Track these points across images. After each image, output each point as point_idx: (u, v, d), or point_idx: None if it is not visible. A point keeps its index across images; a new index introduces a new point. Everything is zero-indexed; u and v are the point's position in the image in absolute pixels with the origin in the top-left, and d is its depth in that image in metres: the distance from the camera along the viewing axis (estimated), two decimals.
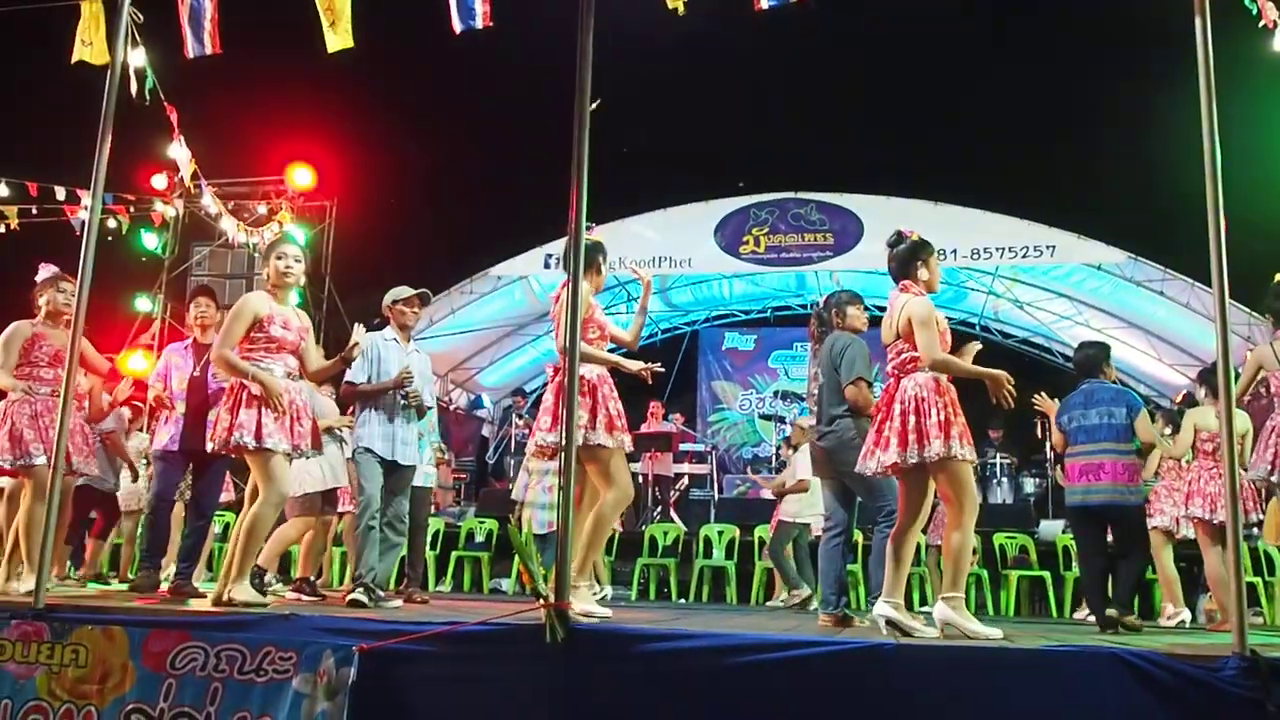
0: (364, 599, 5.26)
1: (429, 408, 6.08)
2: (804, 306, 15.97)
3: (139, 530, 7.97)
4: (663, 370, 5.47)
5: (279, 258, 4.98)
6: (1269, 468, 5.41)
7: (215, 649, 3.55)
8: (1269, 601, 8.49)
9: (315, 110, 13.06)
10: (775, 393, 15.77)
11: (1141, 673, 3.17)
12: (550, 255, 12.85)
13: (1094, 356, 6.28)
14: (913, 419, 4.20)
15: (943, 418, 4.16)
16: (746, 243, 12.86)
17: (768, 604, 9.43)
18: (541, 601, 3.50)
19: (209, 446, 4.86)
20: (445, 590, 9.90)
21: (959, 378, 4.33)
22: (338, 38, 4.86)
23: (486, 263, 13.52)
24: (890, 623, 4.19)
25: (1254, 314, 10.95)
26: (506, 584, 10.05)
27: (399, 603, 5.66)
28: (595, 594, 6.06)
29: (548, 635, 3.44)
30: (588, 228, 4.88)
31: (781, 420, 13.69)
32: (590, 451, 4.69)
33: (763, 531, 10.28)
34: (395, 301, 5.90)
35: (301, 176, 12.29)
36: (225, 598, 4.57)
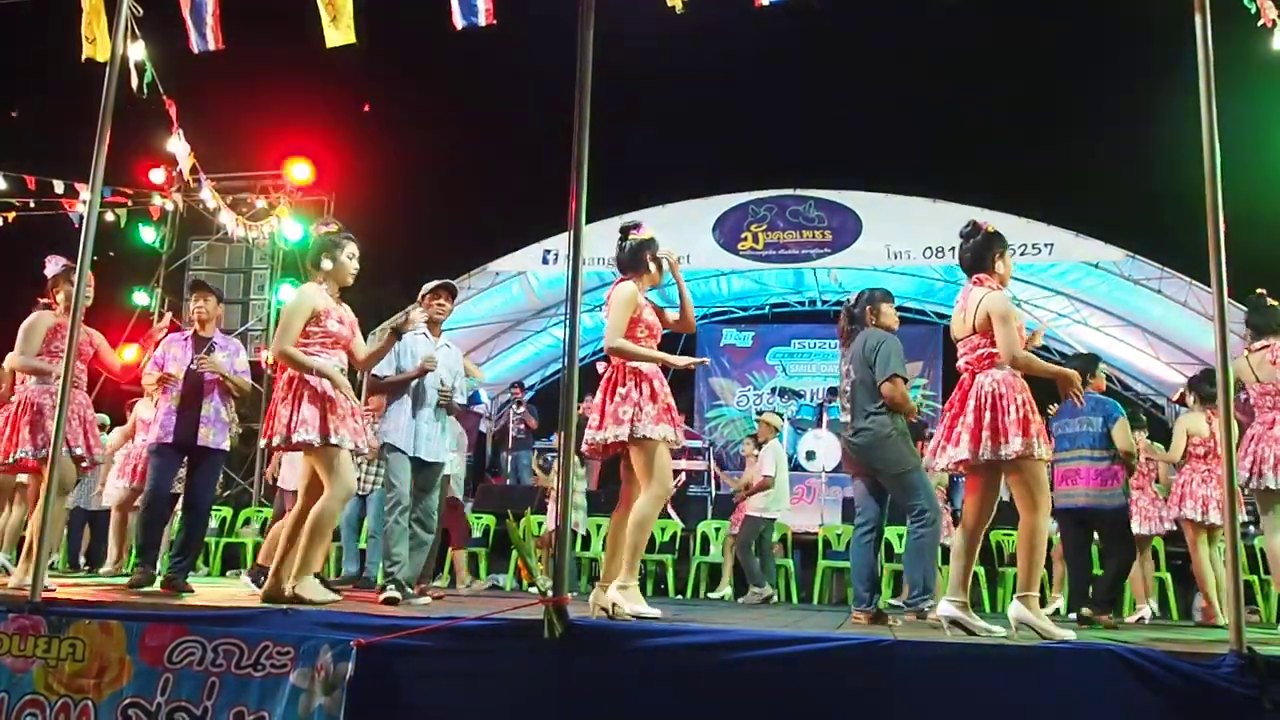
0: (397, 596, 5.25)
1: (461, 404, 6.04)
2: (802, 304, 15.99)
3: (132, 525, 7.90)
4: (707, 363, 5.36)
5: (350, 256, 5.00)
6: (1247, 474, 5.53)
7: (213, 643, 3.55)
8: (1264, 599, 8.52)
9: (314, 105, 13.08)
10: (773, 389, 15.78)
11: (1138, 670, 3.18)
12: (549, 251, 12.84)
13: (1079, 368, 6.39)
14: (988, 415, 4.18)
15: (1022, 415, 4.15)
16: (745, 239, 12.85)
17: (709, 595, 9.47)
18: (540, 597, 3.51)
19: (267, 441, 4.78)
20: (442, 586, 9.90)
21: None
22: (339, 33, 4.85)
23: (485, 258, 13.52)
24: (954, 622, 4.19)
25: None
26: (504, 579, 10.05)
27: (428, 600, 5.61)
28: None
29: (546, 631, 3.45)
30: (635, 226, 4.90)
31: (780, 417, 13.71)
32: (638, 444, 4.49)
33: (708, 527, 10.29)
34: (424, 295, 5.87)
35: (300, 171, 12.29)
36: (291, 594, 4.48)
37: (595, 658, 3.49)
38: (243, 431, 8.10)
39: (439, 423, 5.71)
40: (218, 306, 6.33)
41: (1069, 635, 3.96)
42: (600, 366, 4.78)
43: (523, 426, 13.22)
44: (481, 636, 3.59)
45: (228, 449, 6.21)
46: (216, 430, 5.96)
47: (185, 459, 6.07)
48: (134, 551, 6.40)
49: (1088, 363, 6.67)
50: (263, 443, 4.86)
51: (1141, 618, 7.33)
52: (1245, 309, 5.90)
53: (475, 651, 3.56)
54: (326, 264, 4.95)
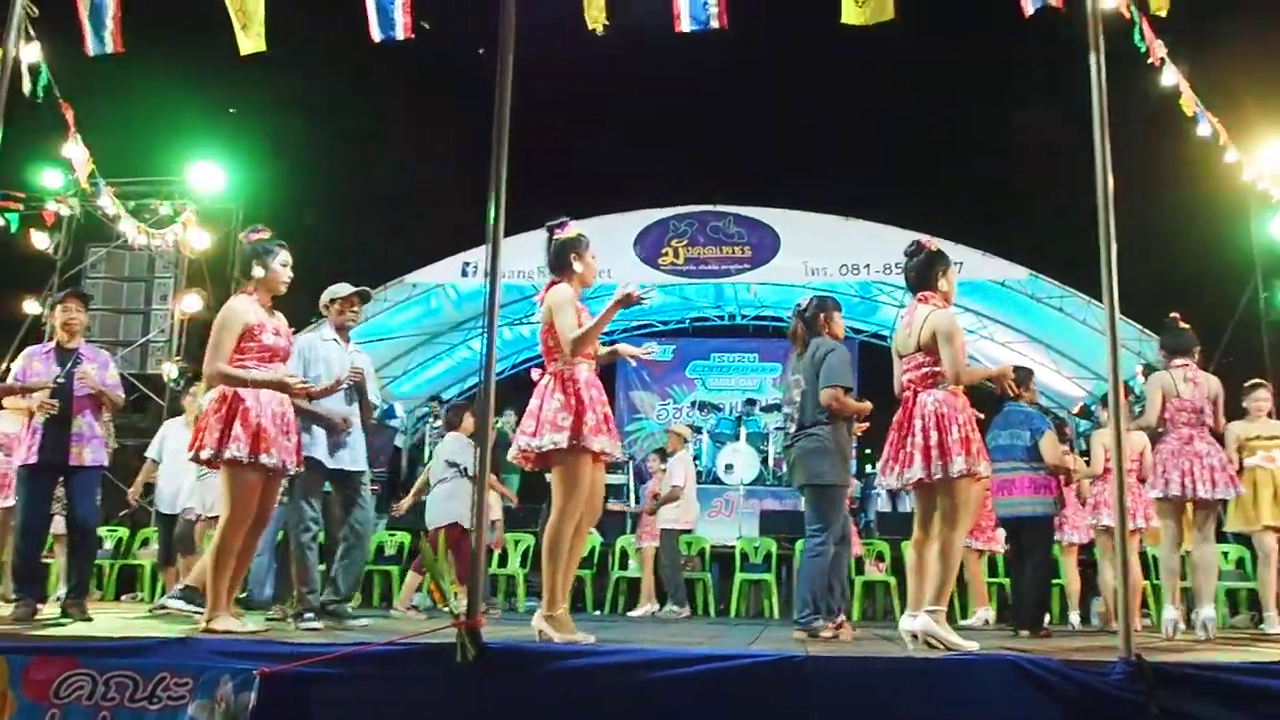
0: (316, 623, 5.08)
1: (376, 407, 5.89)
2: (721, 318, 16.09)
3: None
4: (656, 349, 5.18)
5: (283, 264, 4.81)
6: (1178, 487, 5.72)
7: (105, 676, 3.37)
8: (1158, 604, 8.83)
9: (224, 112, 12.73)
10: (693, 403, 15.86)
11: (1037, 679, 3.24)
12: (468, 264, 12.71)
13: (1017, 380, 6.58)
14: (935, 435, 4.25)
15: (964, 435, 4.26)
16: (666, 254, 12.91)
17: (629, 614, 9.44)
18: (453, 620, 3.42)
19: (193, 455, 4.59)
20: (353, 608, 9.67)
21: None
22: (250, 41, 4.73)
23: (402, 270, 13.31)
24: (915, 637, 4.25)
25: (1144, 330, 11.37)
26: (419, 599, 9.86)
27: (366, 622, 5.43)
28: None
29: (458, 655, 3.36)
30: (560, 224, 4.80)
31: (698, 430, 13.76)
32: (576, 453, 4.31)
33: (627, 542, 10.24)
34: (334, 300, 5.67)
35: (207, 177, 11.86)
36: (205, 628, 4.36)
37: (510, 681, 3.41)
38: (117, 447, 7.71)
39: (358, 430, 5.58)
40: (86, 316, 5.98)
41: (974, 647, 4.06)
42: (534, 374, 4.66)
43: (439, 441, 13.02)
44: (392, 662, 3.48)
45: (106, 464, 5.92)
46: (93, 447, 5.67)
47: (59, 479, 5.72)
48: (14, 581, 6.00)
49: (1023, 375, 6.88)
50: (189, 455, 4.65)
51: (986, 620, 7.84)
52: (1138, 325, 6.14)
53: (385, 678, 3.45)
54: (258, 271, 4.76)
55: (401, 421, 14.67)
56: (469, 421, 8.00)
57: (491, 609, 7.64)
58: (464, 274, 12.93)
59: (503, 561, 10.16)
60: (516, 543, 10.37)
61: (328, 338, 5.61)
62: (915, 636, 4.23)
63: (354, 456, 5.51)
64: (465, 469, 7.60)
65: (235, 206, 12.40)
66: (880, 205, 12.60)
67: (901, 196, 13.74)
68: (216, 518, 6.04)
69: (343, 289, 5.69)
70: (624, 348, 4.94)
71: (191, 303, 11.78)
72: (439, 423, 13.07)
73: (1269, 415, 7.00)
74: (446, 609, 3.48)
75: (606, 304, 4.46)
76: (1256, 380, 7.19)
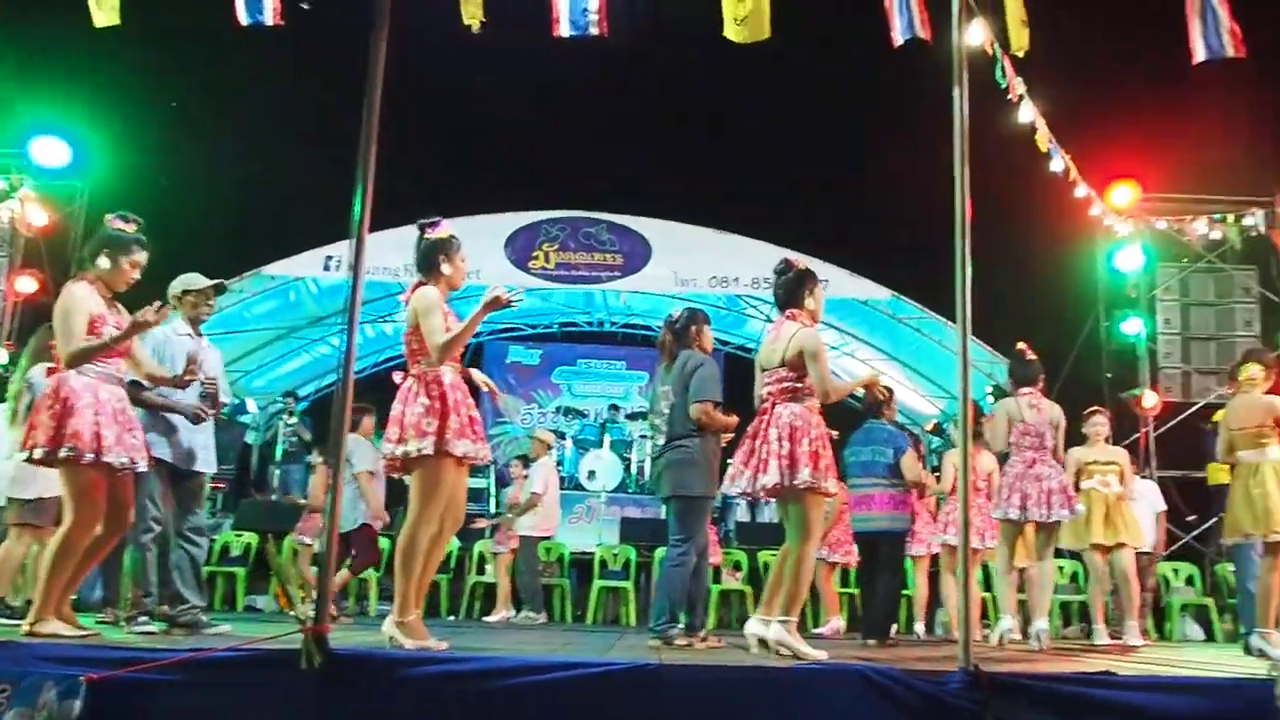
0: (150, 626, 4.82)
1: (225, 403, 5.65)
2: (590, 324, 16.10)
3: None
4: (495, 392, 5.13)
5: (133, 265, 4.53)
6: (1017, 510, 5.98)
7: None
8: (996, 615, 9.25)
9: (72, 86, 12.02)
10: (557, 408, 15.81)
11: (881, 687, 3.35)
12: (331, 258, 12.35)
13: (877, 401, 6.79)
14: (787, 445, 4.33)
15: (813, 449, 4.34)
16: (536, 258, 12.83)
17: (485, 619, 9.40)
18: (299, 625, 3.30)
19: (21, 456, 4.28)
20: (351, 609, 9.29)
21: None
22: (104, 14, 4.50)
23: (259, 261, 12.82)
24: (762, 641, 4.32)
25: (996, 353, 11.92)
26: (264, 602, 9.53)
27: (227, 627, 5.17)
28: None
29: (303, 662, 3.25)
30: (432, 223, 4.67)
31: (562, 436, 13.72)
32: (440, 459, 4.24)
33: (484, 547, 10.18)
34: (187, 291, 5.40)
35: (50, 152, 11.10)
36: (29, 631, 4.10)
37: (358, 689, 3.31)
38: None
39: (206, 428, 5.34)
40: None
41: (822, 656, 4.15)
42: (397, 377, 4.53)
43: (295, 439, 12.63)
44: (233, 669, 3.34)
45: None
46: None
47: None
48: None
49: (886, 394, 7.10)
50: (21, 455, 4.35)
51: (837, 629, 8.16)
52: (990, 348, 6.45)
53: (227, 685, 3.30)
54: (104, 263, 4.48)
55: (253, 418, 14.15)
56: (368, 423, 7.83)
57: (342, 614, 7.43)
58: (326, 268, 12.55)
59: None
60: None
61: (181, 332, 5.35)
62: (762, 641, 4.31)
63: (203, 456, 5.29)
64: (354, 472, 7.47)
65: (81, 184, 11.71)
66: (752, 220, 12.84)
67: (774, 213, 14.03)
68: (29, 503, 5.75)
69: (197, 280, 5.42)
70: (475, 374, 4.88)
71: (26, 284, 11.05)
72: (293, 420, 12.69)
73: (1105, 440, 7.44)
74: (293, 614, 3.36)
75: (475, 308, 4.38)
76: (1095, 408, 7.62)
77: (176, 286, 5.37)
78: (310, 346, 15.33)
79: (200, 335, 5.46)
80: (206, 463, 5.31)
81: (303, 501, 10.32)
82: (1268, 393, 5.71)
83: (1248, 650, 5.68)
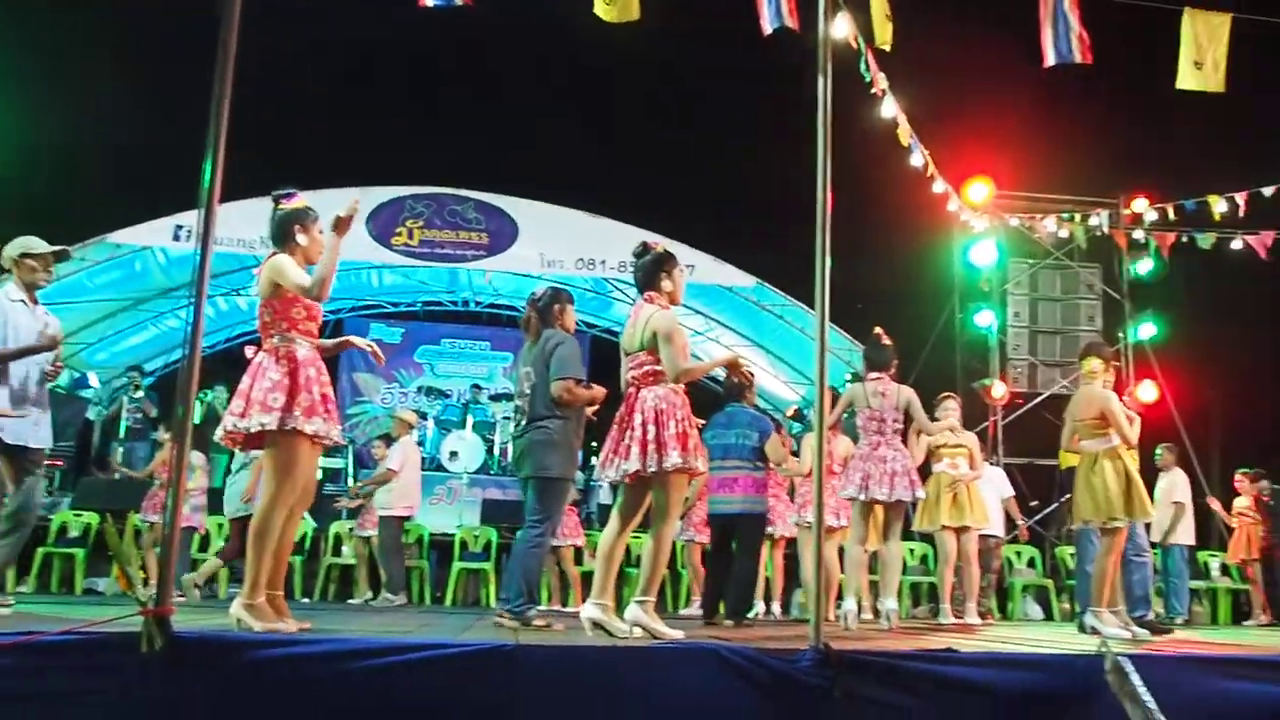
0: None
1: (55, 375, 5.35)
2: (455, 304, 15.87)
3: None
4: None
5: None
6: (856, 489, 6.16)
7: None
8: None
9: None
10: (419, 388, 15.54)
11: (734, 666, 3.42)
12: (181, 227, 11.79)
13: (739, 384, 6.88)
14: (653, 430, 4.33)
15: (681, 430, 4.35)
16: (400, 234, 12.55)
17: (350, 600, 9.27)
18: (140, 607, 3.16)
19: None
20: (28, 592, 8.79)
21: None
22: None
23: (105, 227, 12.14)
24: (596, 624, 4.30)
25: (855, 340, 12.30)
26: (105, 584, 9.10)
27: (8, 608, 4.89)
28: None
29: (144, 644, 3.11)
30: (287, 194, 4.48)
31: (424, 416, 13.50)
32: (286, 435, 4.11)
33: (341, 528, 10.03)
34: (25, 255, 5.07)
35: None
36: None
37: (201, 673, 3.19)
38: None
39: (44, 402, 5.05)
40: None
41: (679, 635, 4.21)
42: (249, 351, 4.38)
43: (140, 415, 12.07)
44: (69, 653, 3.16)
45: None
46: None
47: None
48: None
49: (746, 378, 7.20)
50: None
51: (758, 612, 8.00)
52: (850, 337, 6.64)
53: (62, 669, 3.13)
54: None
55: (95, 393, 13.45)
56: None
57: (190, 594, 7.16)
58: (176, 238, 11.98)
59: (204, 545, 9.55)
60: (220, 526, 9.77)
61: (15, 298, 5.05)
62: (596, 625, 4.33)
63: (37, 433, 5.02)
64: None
65: None
66: (621, 204, 12.87)
67: (642, 198, 14.08)
68: None
69: (36, 244, 5.12)
70: (355, 339, 4.83)
71: None
72: (139, 394, 12.12)
73: (957, 425, 7.76)
74: (132, 595, 3.21)
75: (349, 339, 4.52)
76: (946, 393, 7.94)
77: (13, 249, 5.08)
78: (158, 319, 14.62)
79: (36, 303, 5.16)
80: (40, 438, 5.04)
81: (137, 476, 9.89)
82: (1111, 388, 6.02)
83: (1082, 628, 6.00)
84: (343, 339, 4.78)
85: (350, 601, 9.15)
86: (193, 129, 3.66)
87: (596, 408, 5.74)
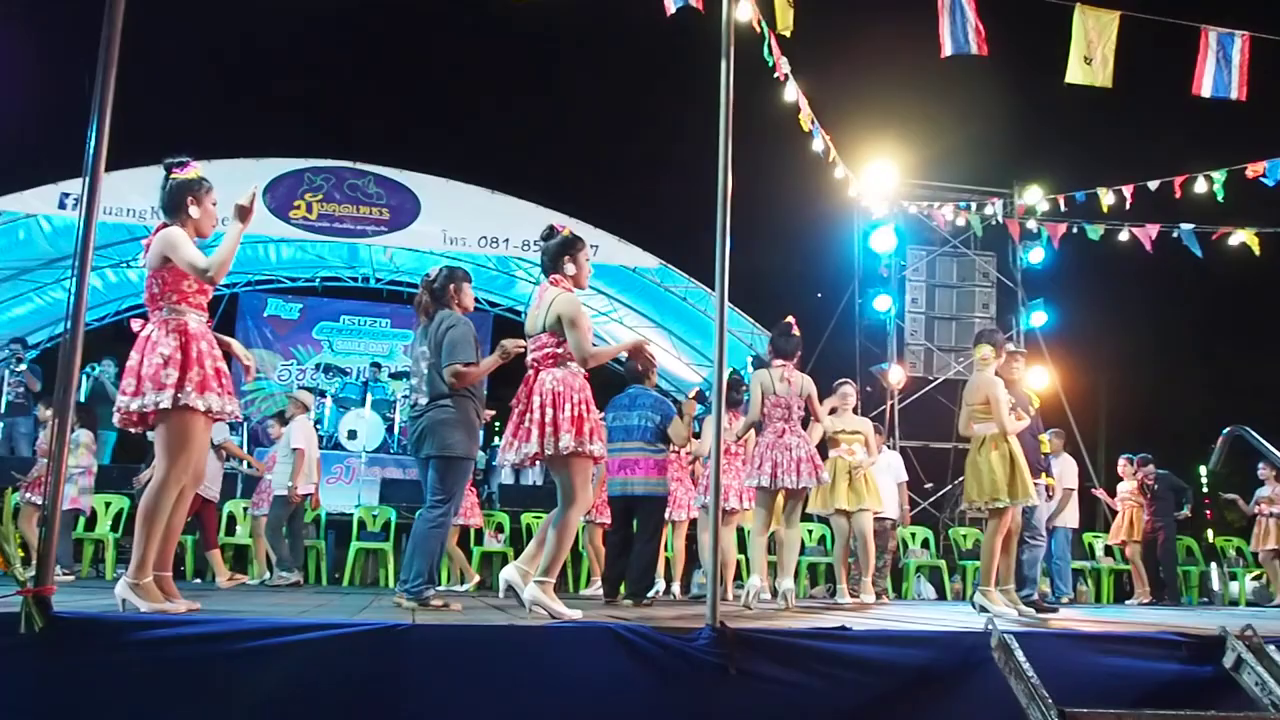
0: None
1: None
2: (355, 279, 15.61)
3: None
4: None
5: None
6: (766, 477, 6.28)
7: None
8: (747, 575, 9.75)
9: None
10: (318, 365, 15.23)
11: (630, 644, 3.47)
12: (67, 195, 11.32)
13: (641, 367, 6.99)
14: (550, 412, 4.34)
15: (576, 413, 4.36)
16: (298, 207, 12.27)
17: (246, 581, 9.03)
18: (19, 588, 3.05)
19: None
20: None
21: None
22: None
23: None
24: (510, 588, 4.39)
25: (757, 324, 12.47)
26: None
27: None
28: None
29: (23, 625, 3.02)
30: (181, 163, 4.33)
31: (322, 394, 13.25)
32: (179, 412, 3.97)
33: (235, 506, 9.84)
34: None
35: None
36: None
37: (83, 654, 3.11)
38: None
39: None
40: None
41: (576, 615, 4.24)
42: (135, 325, 4.22)
43: (22, 389, 11.58)
44: None
45: None
46: None
47: None
48: None
49: (649, 362, 7.22)
50: None
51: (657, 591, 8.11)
52: (751, 318, 6.71)
53: None
54: None
55: None
56: None
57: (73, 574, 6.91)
58: (62, 205, 11.50)
59: (90, 525, 9.23)
60: (108, 505, 9.46)
61: None
62: (510, 588, 4.41)
63: None
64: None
65: None
66: (526, 183, 12.81)
67: (547, 177, 14.05)
68: None
69: None
70: (235, 345, 4.72)
71: None
72: (21, 368, 11.64)
73: (853, 411, 7.92)
74: (11, 575, 3.10)
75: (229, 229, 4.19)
76: (843, 379, 8.09)
77: None
78: (42, 291, 14.06)
79: None
80: None
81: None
82: (997, 374, 6.22)
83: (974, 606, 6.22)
84: (223, 339, 4.58)
85: (246, 581, 8.94)
86: (82, 92, 3.52)
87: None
